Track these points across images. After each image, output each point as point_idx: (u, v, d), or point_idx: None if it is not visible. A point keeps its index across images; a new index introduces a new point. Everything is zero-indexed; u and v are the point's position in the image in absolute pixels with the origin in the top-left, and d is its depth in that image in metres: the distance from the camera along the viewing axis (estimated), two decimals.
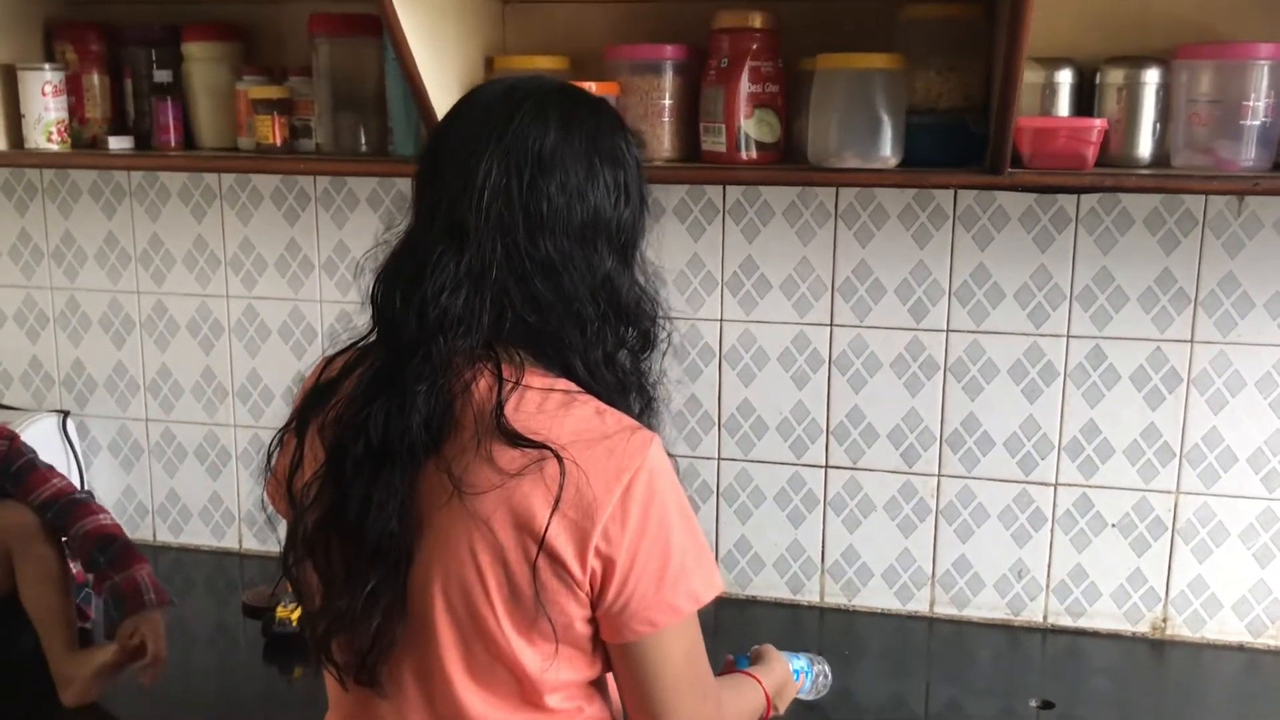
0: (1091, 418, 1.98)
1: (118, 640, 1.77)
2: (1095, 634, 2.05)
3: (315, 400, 1.18)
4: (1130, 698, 1.88)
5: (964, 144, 1.80)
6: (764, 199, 2.04)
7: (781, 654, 1.54)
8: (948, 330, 2.01)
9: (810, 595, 2.16)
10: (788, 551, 2.15)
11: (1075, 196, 1.92)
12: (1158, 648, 2.02)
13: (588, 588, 1.09)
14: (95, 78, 2.16)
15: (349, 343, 1.20)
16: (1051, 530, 2.04)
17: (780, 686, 1.47)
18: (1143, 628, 2.04)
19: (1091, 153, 1.68)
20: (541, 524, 1.06)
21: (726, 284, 2.09)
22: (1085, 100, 1.80)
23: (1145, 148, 1.76)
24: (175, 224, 2.30)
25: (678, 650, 1.13)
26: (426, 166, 1.16)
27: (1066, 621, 2.06)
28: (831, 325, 2.06)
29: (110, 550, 1.83)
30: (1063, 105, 1.79)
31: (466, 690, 1.13)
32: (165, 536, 2.44)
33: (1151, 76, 1.75)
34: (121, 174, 2.30)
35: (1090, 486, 2.01)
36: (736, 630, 2.10)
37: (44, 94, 2.07)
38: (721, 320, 2.10)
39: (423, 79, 1.75)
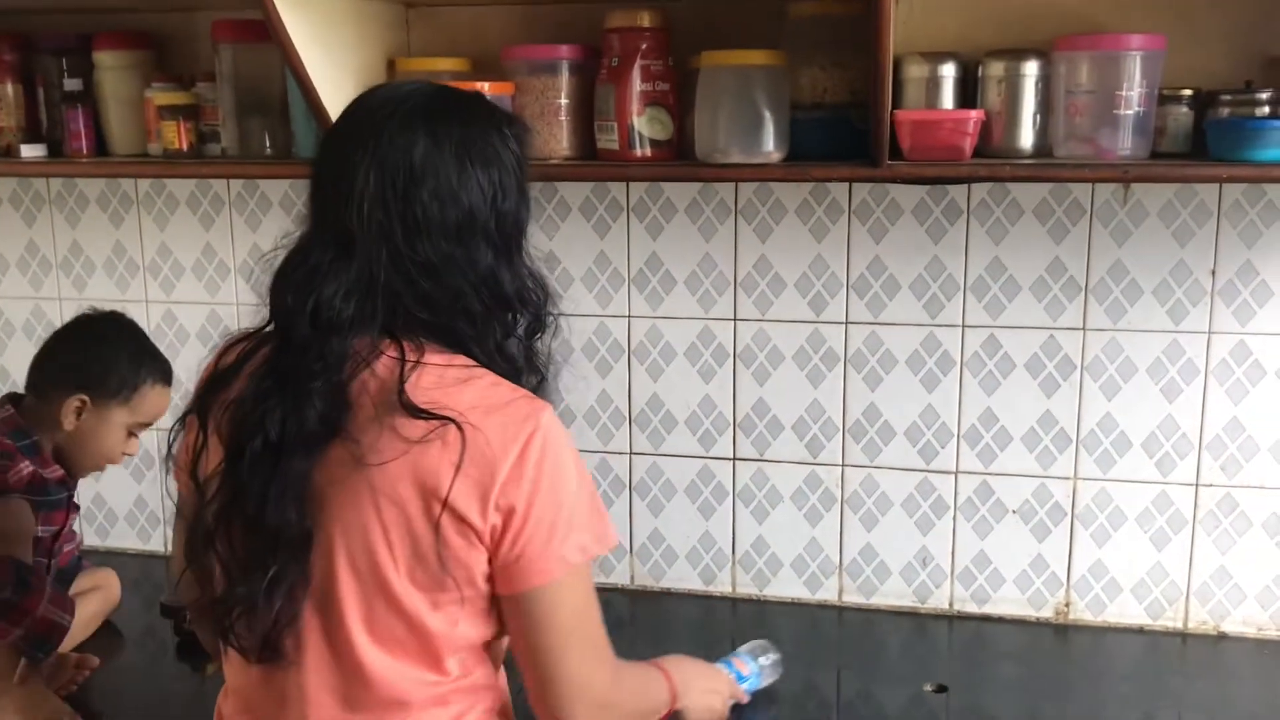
0: (989, 406, 2.01)
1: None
2: (1000, 620, 2.08)
3: (214, 386, 1.25)
4: (1030, 681, 1.90)
5: (850, 139, 1.83)
6: (666, 196, 2.07)
7: (729, 658, 1.72)
8: (846, 322, 2.04)
9: (723, 586, 2.19)
10: (699, 543, 2.18)
11: (966, 188, 1.95)
12: (1061, 632, 2.05)
13: (488, 539, 1.16)
14: (9, 87, 2.18)
15: (248, 330, 1.27)
16: (954, 518, 2.07)
17: (688, 684, 1.48)
18: (1046, 613, 2.07)
19: (969, 143, 1.71)
20: (445, 485, 1.14)
21: (633, 280, 2.12)
22: (970, 93, 1.83)
23: (1027, 139, 1.79)
24: (94, 230, 2.33)
25: (567, 602, 1.19)
26: (315, 174, 1.25)
27: (972, 608, 2.09)
28: (735, 320, 2.08)
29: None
30: (947, 98, 1.82)
31: (368, 651, 1.19)
32: (93, 540, 2.47)
33: (1031, 68, 1.78)
34: (40, 182, 2.33)
35: (990, 474, 2.04)
36: (652, 622, 2.13)
37: None
38: (629, 317, 2.13)
39: (314, 83, 1.77)
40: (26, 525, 1.80)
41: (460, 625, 1.21)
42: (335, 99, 1.82)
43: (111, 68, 2.14)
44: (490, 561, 1.18)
